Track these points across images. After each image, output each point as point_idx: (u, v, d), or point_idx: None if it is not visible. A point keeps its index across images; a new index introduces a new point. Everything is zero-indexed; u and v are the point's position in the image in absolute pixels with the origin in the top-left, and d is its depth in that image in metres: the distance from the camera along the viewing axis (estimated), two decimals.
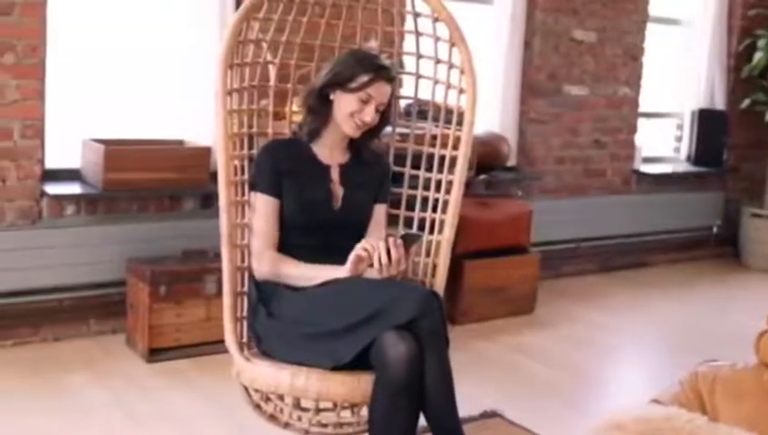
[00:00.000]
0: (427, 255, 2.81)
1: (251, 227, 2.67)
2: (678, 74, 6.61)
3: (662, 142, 6.68)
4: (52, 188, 3.90)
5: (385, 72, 2.64)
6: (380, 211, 2.79)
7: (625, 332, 4.79)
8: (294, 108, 2.99)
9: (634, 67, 5.98)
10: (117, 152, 3.89)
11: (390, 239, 2.44)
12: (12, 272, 3.82)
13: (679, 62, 6.60)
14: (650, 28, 6.03)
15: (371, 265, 2.46)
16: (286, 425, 2.57)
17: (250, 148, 2.80)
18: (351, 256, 2.48)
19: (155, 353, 3.83)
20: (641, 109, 6.12)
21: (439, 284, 2.75)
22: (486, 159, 4.92)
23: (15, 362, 3.73)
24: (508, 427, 3.36)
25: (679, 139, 6.64)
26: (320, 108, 2.68)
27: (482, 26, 5.30)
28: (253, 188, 2.67)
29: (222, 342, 2.64)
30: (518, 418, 3.41)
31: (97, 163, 3.90)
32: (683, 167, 6.51)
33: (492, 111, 5.35)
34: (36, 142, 3.87)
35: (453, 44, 2.83)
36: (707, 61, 6.42)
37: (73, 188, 3.98)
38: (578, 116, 5.75)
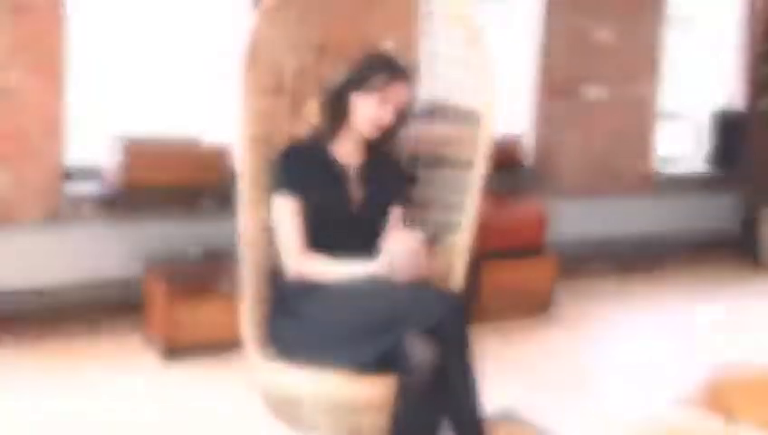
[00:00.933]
0: (445, 256, 2.80)
1: (277, 230, 2.65)
2: (698, 75, 6.57)
3: (681, 143, 6.65)
4: (72, 187, 3.93)
5: (403, 73, 2.64)
6: (397, 212, 2.78)
7: (643, 333, 4.76)
8: (311, 108, 2.99)
9: (653, 67, 5.96)
10: (136, 152, 3.91)
11: (414, 242, 2.43)
12: (30, 270, 3.85)
13: (699, 62, 6.57)
14: (670, 28, 6.00)
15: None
16: (305, 427, 2.56)
17: (268, 149, 2.80)
18: (384, 251, 2.47)
19: (173, 352, 3.85)
20: (660, 109, 6.09)
21: (458, 285, 2.75)
22: (503, 159, 4.90)
23: (32, 360, 3.75)
24: (525, 427, 3.35)
25: (698, 140, 6.60)
26: (337, 109, 2.68)
27: (500, 26, 5.29)
28: (274, 191, 2.65)
29: (240, 341, 2.65)
30: (535, 418, 3.41)
31: (116, 162, 3.91)
32: (702, 168, 6.48)
33: (509, 111, 5.34)
34: (56, 141, 3.89)
35: (472, 44, 2.82)
36: (727, 62, 6.38)
37: (92, 187, 4.00)
38: (596, 116, 5.73)
